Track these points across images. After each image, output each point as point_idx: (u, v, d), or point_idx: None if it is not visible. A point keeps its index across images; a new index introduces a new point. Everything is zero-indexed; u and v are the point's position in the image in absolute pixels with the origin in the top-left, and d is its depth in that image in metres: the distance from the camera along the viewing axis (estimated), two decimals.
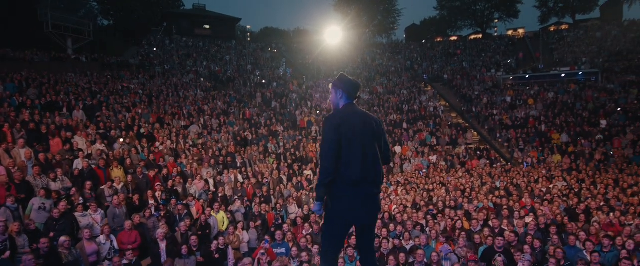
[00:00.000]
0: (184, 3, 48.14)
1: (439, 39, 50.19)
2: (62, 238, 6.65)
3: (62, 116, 12.71)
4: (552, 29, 45.47)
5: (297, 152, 16.78)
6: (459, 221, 8.74)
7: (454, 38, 52.15)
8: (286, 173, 14.35)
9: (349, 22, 46.22)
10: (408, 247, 7.42)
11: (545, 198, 11.06)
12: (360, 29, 50.99)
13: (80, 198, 8.30)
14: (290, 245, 7.81)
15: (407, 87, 29.85)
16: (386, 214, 9.41)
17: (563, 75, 27.98)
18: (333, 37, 34.78)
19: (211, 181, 11.74)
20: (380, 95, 27.92)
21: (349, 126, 2.71)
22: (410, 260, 6.77)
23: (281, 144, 17.65)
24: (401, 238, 7.79)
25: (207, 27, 42.00)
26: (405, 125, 21.91)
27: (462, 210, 9.80)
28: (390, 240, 7.45)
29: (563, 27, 46.42)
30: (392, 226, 8.64)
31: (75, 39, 27.26)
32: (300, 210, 10.70)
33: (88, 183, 8.89)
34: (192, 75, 28.09)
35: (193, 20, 41.76)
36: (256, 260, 7.00)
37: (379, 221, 8.79)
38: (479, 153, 19.27)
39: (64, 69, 20.15)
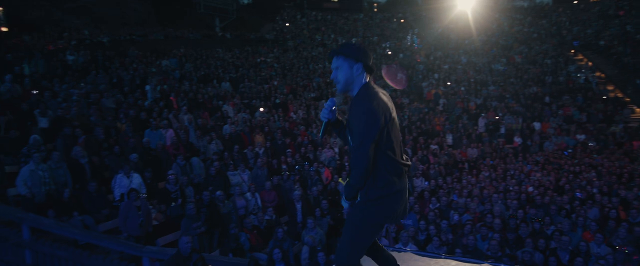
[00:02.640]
0: None
1: None
2: (218, 192, 7.78)
3: (213, 87, 14.50)
4: None
5: (422, 125, 16.44)
6: (614, 210, 7.71)
7: None
8: (411, 146, 14.23)
9: None
10: (549, 232, 6.85)
11: None
12: None
13: (230, 160, 9.50)
14: (417, 217, 7.86)
15: (552, 55, 26.45)
16: (523, 195, 8.76)
17: None
18: (465, 2, 32.35)
19: (337, 150, 12.29)
20: (518, 65, 25.35)
21: (389, 111, 2.30)
22: (552, 246, 6.27)
23: (406, 117, 17.45)
24: (542, 222, 7.22)
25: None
26: (547, 99, 19.67)
27: (618, 197, 8.60)
28: (529, 223, 6.97)
29: None
30: (528, 208, 8.03)
31: (221, 17, 30.49)
32: (427, 183, 10.59)
33: (236, 147, 10.11)
34: (321, 48, 29.13)
35: None
36: (384, 229, 7.22)
37: (515, 201, 8.26)
38: None
39: (213, 45, 22.82)
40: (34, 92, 9.66)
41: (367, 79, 2.38)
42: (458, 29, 32.67)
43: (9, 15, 19.65)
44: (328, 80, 20.44)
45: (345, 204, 2.41)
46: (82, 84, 11.44)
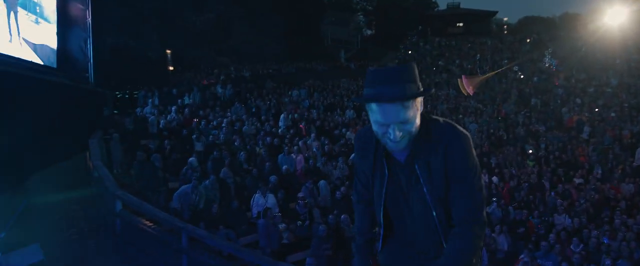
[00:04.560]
0: (438, 4, 49.03)
1: None
2: (343, 216, 8.13)
3: (339, 115, 15.30)
4: None
5: (563, 155, 14.78)
6: None
7: None
8: (549, 178, 12.89)
9: None
10: None
11: None
12: None
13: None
14: (559, 259, 7.09)
15: None
16: None
17: None
18: (613, 17, 28.50)
19: None
20: None
21: None
22: None
23: (543, 146, 15.89)
24: None
25: (460, 24, 41.72)
26: None
27: None
28: None
29: None
30: None
31: (346, 49, 32.17)
32: (570, 221, 9.47)
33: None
34: (445, 74, 28.44)
35: (446, 20, 42.35)
36: None
37: None
38: None
39: (338, 76, 24.13)
40: (195, 120, 11.45)
41: None
42: (605, 48, 28.85)
43: (175, 56, 23.63)
44: (451, 106, 19.79)
45: None
46: (229, 113, 13.13)
